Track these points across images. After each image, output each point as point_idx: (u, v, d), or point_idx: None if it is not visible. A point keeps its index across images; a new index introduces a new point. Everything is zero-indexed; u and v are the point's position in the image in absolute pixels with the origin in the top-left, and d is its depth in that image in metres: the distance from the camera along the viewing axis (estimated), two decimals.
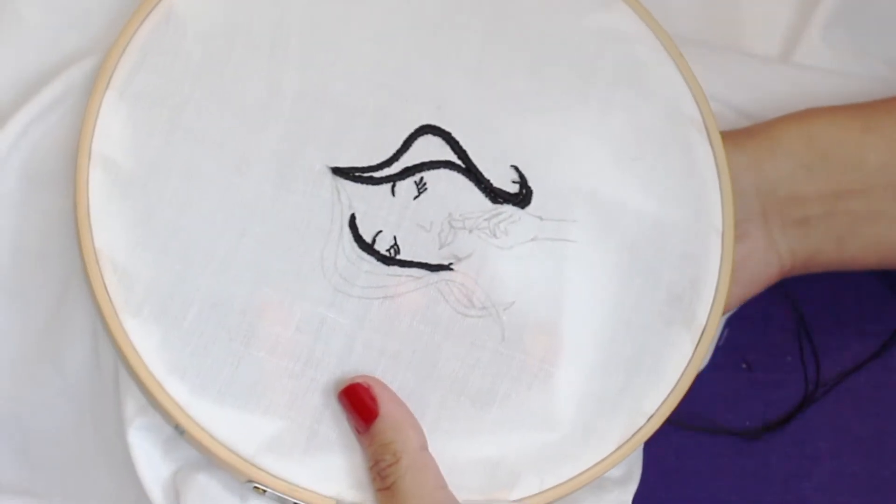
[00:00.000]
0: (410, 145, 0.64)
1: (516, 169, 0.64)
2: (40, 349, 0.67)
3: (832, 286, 0.76)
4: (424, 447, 0.61)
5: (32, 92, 0.66)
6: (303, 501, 0.61)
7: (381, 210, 0.63)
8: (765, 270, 0.69)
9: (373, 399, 0.61)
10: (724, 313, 0.68)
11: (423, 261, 0.63)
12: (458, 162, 0.64)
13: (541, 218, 0.64)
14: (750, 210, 0.69)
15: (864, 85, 0.75)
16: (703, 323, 0.65)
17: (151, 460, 0.63)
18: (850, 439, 0.76)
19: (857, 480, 0.75)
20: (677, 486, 0.75)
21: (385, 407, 0.61)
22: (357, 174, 0.63)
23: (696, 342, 0.65)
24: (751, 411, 0.76)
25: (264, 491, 0.61)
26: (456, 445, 0.62)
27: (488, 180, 0.64)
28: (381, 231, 0.63)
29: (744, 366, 0.77)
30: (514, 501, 0.63)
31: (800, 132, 0.69)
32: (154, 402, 0.61)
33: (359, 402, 0.61)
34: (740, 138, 0.69)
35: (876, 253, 0.70)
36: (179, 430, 0.61)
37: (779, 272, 0.70)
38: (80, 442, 0.67)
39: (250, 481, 0.61)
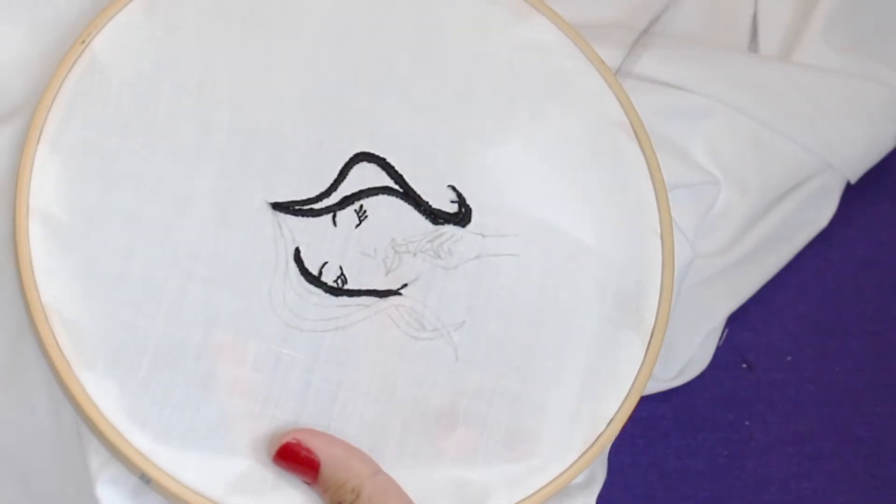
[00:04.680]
0: (347, 174, 0.64)
1: (454, 188, 0.65)
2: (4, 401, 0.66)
3: None
4: (378, 471, 0.61)
5: None
6: None
7: (324, 241, 0.63)
8: None
9: (308, 450, 0.60)
10: None
11: (372, 288, 0.63)
12: (396, 187, 0.64)
13: (482, 235, 0.64)
14: None
15: (865, 85, 0.75)
16: (651, 324, 0.65)
17: None
18: (850, 439, 0.76)
19: (857, 480, 0.75)
20: (677, 486, 0.75)
21: (323, 453, 0.60)
22: (297, 207, 0.63)
23: (646, 344, 0.65)
24: (751, 411, 0.76)
25: None
26: (423, 468, 0.62)
27: (427, 202, 0.64)
28: (326, 262, 0.63)
29: (744, 366, 0.77)
30: None
31: None
32: (117, 453, 0.60)
33: (296, 460, 0.60)
34: None
35: None
36: (145, 479, 0.60)
37: None
38: (56, 488, 0.66)
39: None
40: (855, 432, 0.76)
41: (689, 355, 0.74)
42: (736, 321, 0.76)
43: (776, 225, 0.76)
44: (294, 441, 0.60)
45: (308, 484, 0.61)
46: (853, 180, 0.77)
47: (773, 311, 0.77)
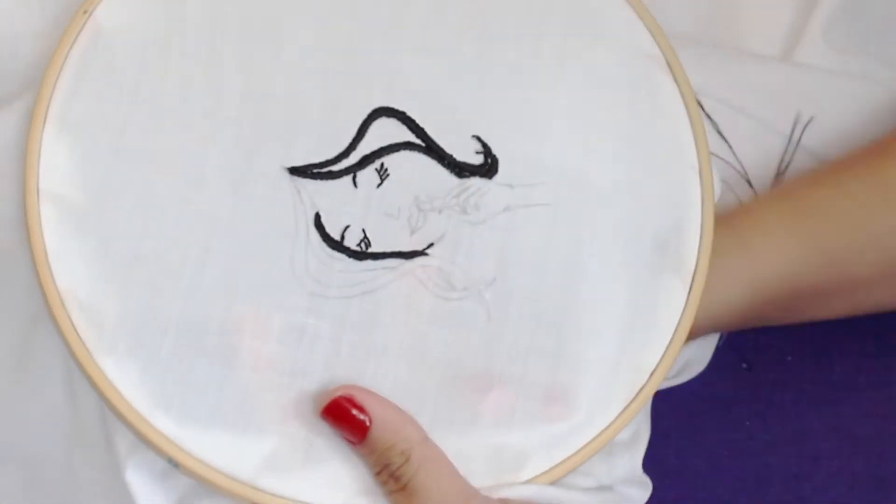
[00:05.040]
0: (366, 131, 0.62)
1: (478, 139, 0.63)
2: (11, 395, 0.64)
3: None
4: (427, 437, 0.59)
5: None
6: None
7: (345, 204, 0.61)
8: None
9: (360, 409, 0.59)
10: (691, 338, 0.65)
11: (397, 250, 0.61)
12: (418, 141, 0.62)
13: (511, 185, 0.62)
14: None
15: (865, 85, 0.75)
16: (693, 266, 0.64)
17: (152, 495, 0.61)
18: (850, 439, 0.76)
19: (857, 480, 0.75)
20: (677, 487, 0.75)
21: (375, 412, 0.59)
22: (315, 170, 0.61)
23: (688, 288, 0.63)
24: (751, 411, 0.76)
25: None
26: (459, 433, 0.60)
27: (451, 155, 0.62)
28: (348, 226, 0.61)
29: (744, 366, 0.76)
30: (525, 482, 0.61)
31: None
32: (143, 438, 0.58)
33: (346, 417, 0.59)
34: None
35: None
36: (173, 463, 0.59)
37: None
38: (75, 478, 0.64)
39: None
40: (855, 432, 0.76)
41: (688, 355, 0.74)
42: None
43: None
44: (347, 395, 0.59)
45: (352, 444, 0.59)
46: None
47: None
